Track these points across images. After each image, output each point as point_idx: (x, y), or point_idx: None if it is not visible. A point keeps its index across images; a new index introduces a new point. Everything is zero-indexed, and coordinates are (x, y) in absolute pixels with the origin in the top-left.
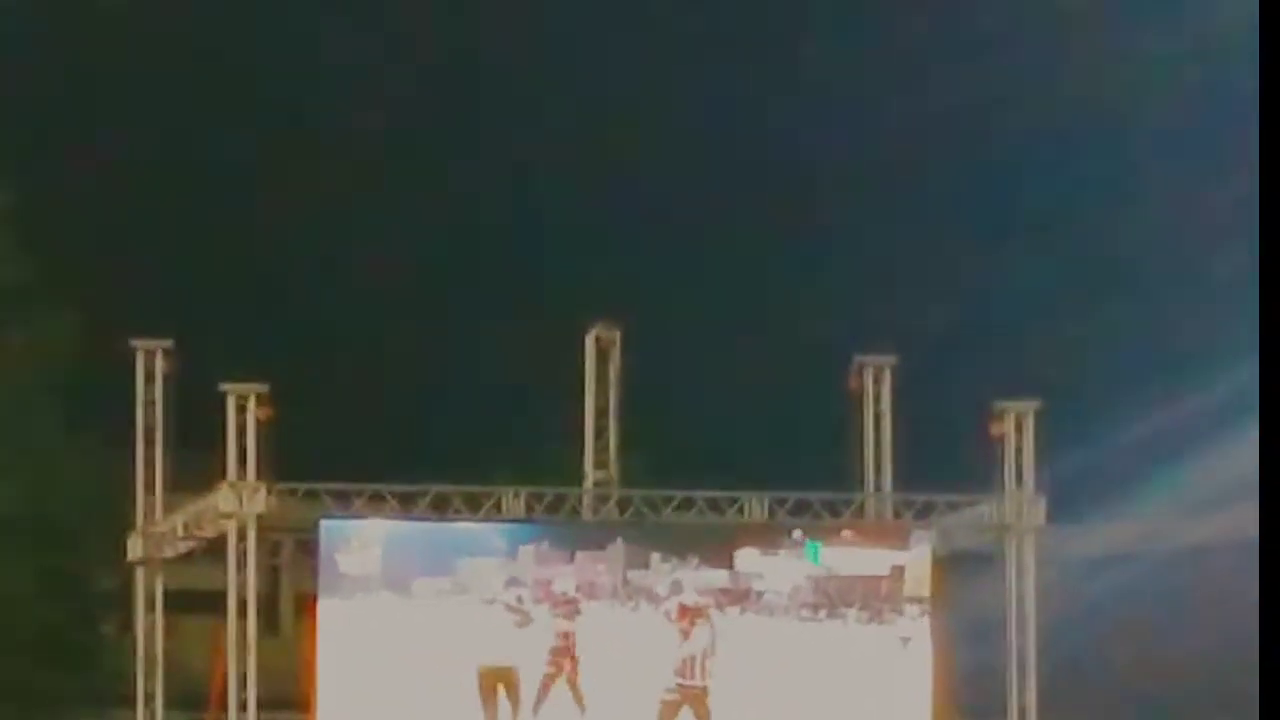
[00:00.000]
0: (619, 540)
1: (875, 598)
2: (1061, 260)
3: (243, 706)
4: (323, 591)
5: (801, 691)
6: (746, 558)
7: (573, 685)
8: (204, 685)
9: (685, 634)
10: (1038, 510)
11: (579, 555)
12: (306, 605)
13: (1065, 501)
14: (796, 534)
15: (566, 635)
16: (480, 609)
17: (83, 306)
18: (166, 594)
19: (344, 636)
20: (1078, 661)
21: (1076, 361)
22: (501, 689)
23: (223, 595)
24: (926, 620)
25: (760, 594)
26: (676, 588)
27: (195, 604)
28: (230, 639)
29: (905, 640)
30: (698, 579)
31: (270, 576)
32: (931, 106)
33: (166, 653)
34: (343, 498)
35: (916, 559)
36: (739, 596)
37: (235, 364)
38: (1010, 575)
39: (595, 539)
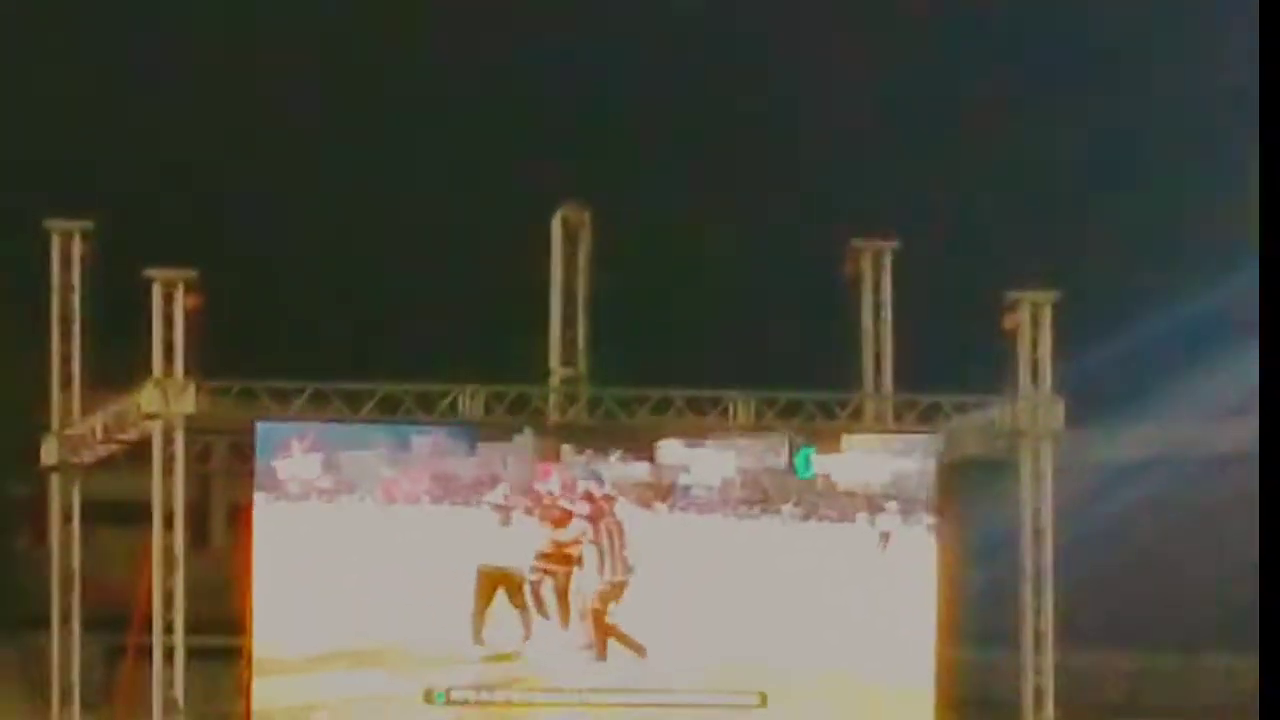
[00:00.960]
0: (527, 431)
1: (810, 493)
2: (1083, 133)
3: (169, 628)
4: (258, 500)
5: (753, 597)
6: (669, 450)
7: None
8: (126, 604)
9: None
10: (1055, 413)
11: (481, 447)
12: (240, 516)
13: (1085, 404)
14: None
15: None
16: (437, 513)
17: None
18: (85, 503)
19: (282, 550)
20: (1099, 580)
21: (1098, 249)
22: (502, 591)
23: (147, 505)
24: (899, 516)
25: (687, 489)
26: (591, 481)
27: (116, 514)
28: (155, 553)
29: (884, 536)
30: (615, 473)
31: (200, 484)
32: None
33: (85, 568)
34: (281, 397)
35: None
36: (663, 492)
37: (161, 248)
38: (1025, 485)
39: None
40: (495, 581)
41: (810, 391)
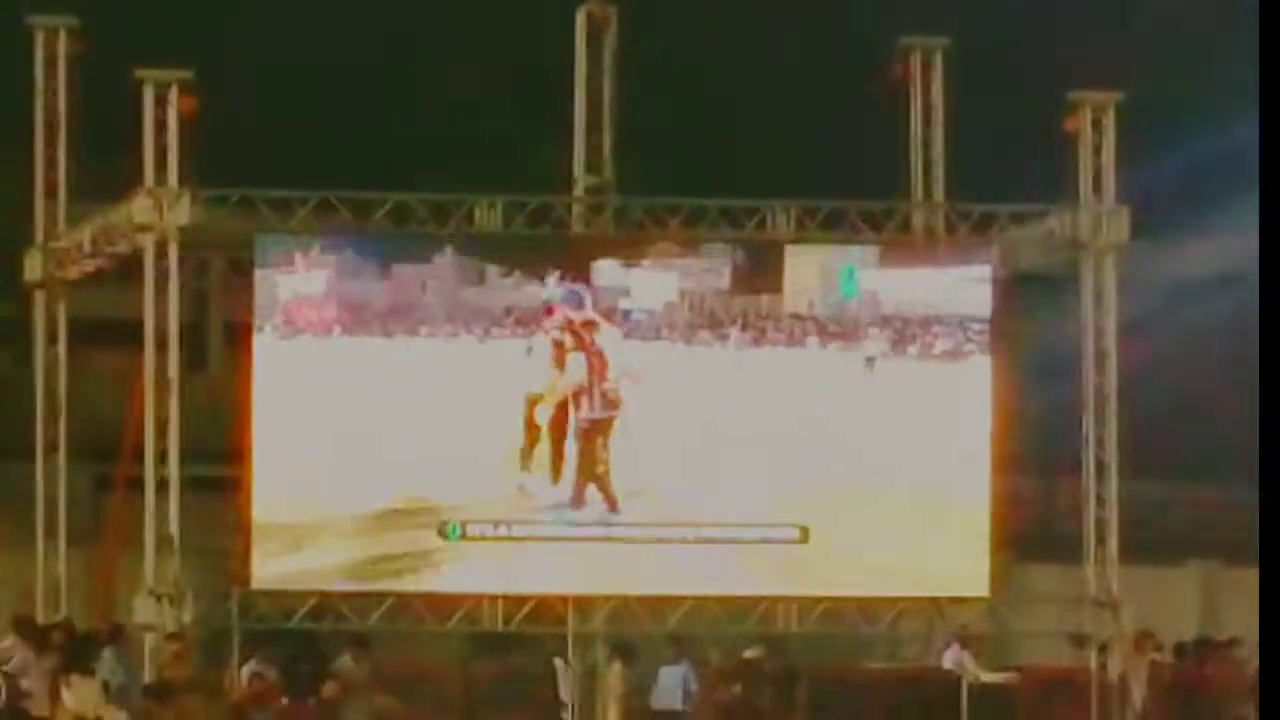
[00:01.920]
0: (448, 250)
1: (757, 315)
2: None
3: (162, 457)
4: (258, 320)
5: (782, 428)
6: (607, 271)
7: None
8: (116, 432)
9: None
10: (1120, 223)
11: (397, 268)
12: (238, 337)
13: (1151, 214)
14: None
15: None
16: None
17: None
18: (71, 322)
19: (283, 373)
20: (1168, 407)
21: (1165, 45)
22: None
23: (138, 324)
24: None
25: (627, 313)
26: (568, 306)
27: (106, 335)
28: (148, 377)
29: (870, 360)
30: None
31: (196, 302)
32: None
33: (71, 393)
34: (283, 207)
35: (804, 264)
36: (602, 315)
37: (154, 47)
38: (1087, 302)
39: (420, 249)
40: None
41: (855, 200)
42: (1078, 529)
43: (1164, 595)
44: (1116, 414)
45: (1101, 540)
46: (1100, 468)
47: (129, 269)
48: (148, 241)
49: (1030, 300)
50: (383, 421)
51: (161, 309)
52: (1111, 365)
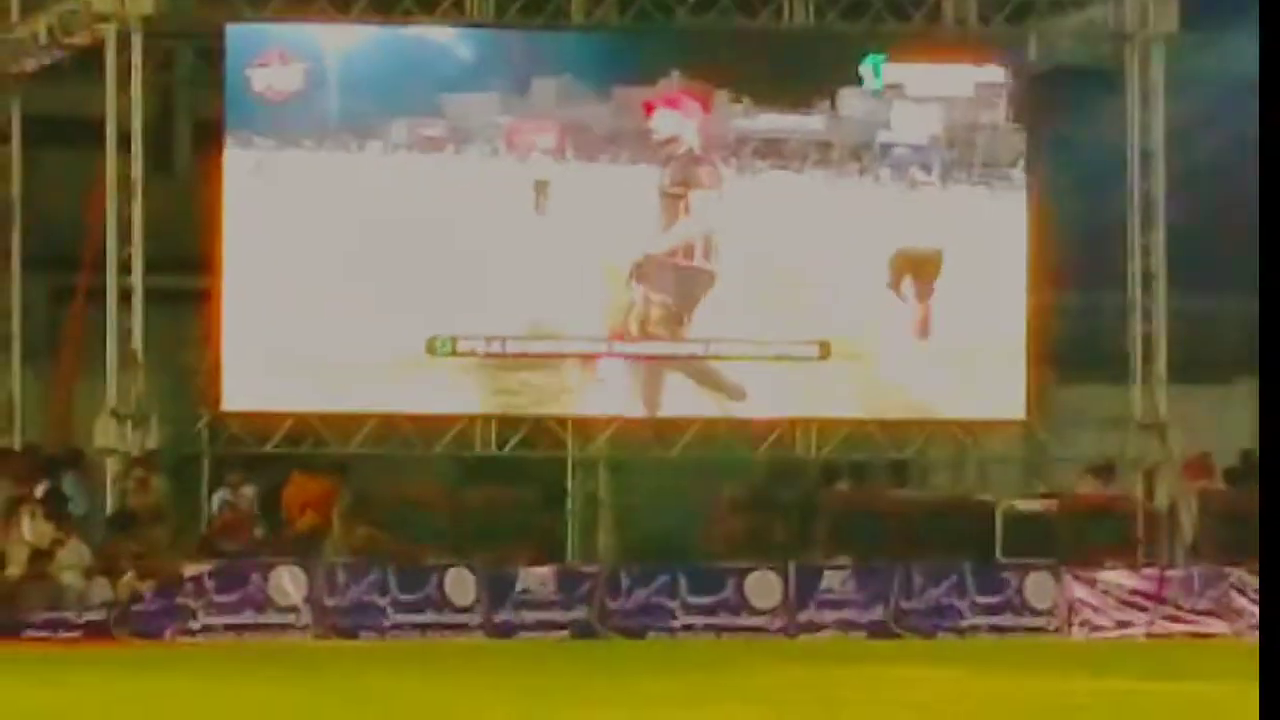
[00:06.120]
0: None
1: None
2: None
3: (125, 267)
4: (230, 118)
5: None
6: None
7: None
8: (75, 239)
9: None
10: (1168, 12)
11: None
12: (208, 136)
13: (1203, 1)
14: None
15: None
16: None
17: None
18: (26, 120)
19: (257, 176)
20: (1221, 214)
21: None
22: None
23: (99, 122)
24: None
25: (777, 141)
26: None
27: (64, 133)
28: (109, 179)
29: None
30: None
31: (161, 98)
32: None
33: (26, 197)
34: None
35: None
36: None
37: None
38: (1132, 99)
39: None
40: None
41: None
42: (1122, 346)
43: (1216, 417)
44: (1164, 221)
45: (1148, 358)
46: (1147, 279)
47: (89, 62)
48: (109, 32)
49: (1070, 97)
50: (365, 228)
51: (124, 105)
52: (1159, 168)
